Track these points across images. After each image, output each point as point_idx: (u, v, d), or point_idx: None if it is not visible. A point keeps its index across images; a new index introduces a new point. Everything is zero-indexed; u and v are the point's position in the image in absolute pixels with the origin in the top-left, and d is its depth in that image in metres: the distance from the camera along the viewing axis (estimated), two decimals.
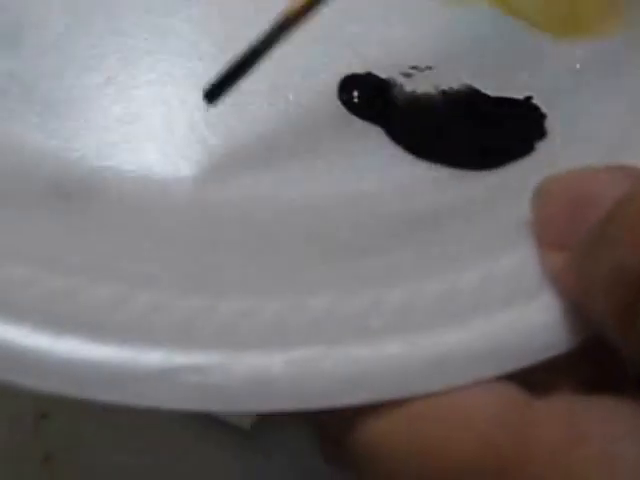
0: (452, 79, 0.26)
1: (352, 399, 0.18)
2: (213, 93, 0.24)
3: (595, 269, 0.17)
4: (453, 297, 0.19)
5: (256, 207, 0.24)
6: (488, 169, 0.25)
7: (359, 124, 0.26)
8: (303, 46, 0.25)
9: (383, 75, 0.26)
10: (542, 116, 0.26)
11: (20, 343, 0.18)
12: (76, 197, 0.23)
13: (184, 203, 0.24)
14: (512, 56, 0.27)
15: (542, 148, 0.25)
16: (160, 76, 0.26)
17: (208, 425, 0.31)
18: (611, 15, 0.27)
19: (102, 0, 0.27)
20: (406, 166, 0.25)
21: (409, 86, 0.26)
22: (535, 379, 0.18)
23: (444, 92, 0.26)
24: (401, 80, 0.26)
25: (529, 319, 0.19)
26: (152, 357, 0.18)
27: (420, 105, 0.26)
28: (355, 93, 0.26)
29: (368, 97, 0.26)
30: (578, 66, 0.27)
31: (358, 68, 0.26)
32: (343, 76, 0.26)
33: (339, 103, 0.26)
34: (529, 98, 0.26)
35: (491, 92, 0.26)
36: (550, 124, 0.26)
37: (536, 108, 0.26)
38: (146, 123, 0.25)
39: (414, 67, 0.27)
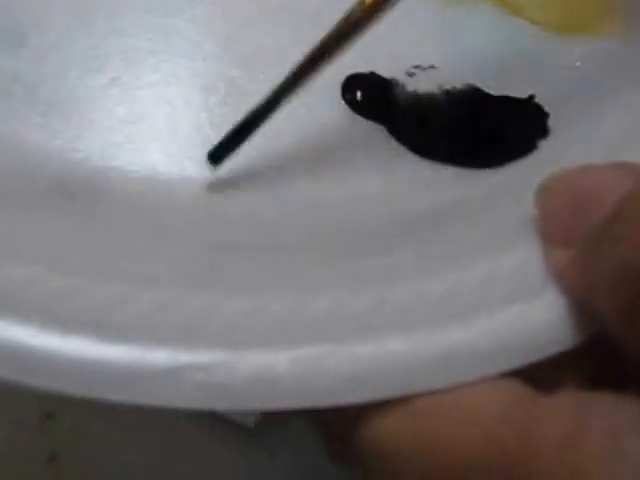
0: (455, 78, 0.27)
1: (357, 397, 0.18)
2: (218, 155, 0.24)
3: (599, 267, 0.17)
4: (456, 295, 0.19)
5: (259, 207, 0.24)
6: (491, 168, 0.25)
7: (362, 123, 0.26)
8: (307, 44, 0.26)
9: (386, 75, 0.26)
10: (544, 115, 0.26)
11: (27, 343, 0.18)
12: (80, 197, 0.23)
13: (188, 203, 0.24)
14: (513, 55, 0.27)
15: (544, 147, 0.25)
16: (164, 76, 0.26)
17: (213, 424, 0.32)
18: (611, 14, 0.28)
19: (105, 1, 0.27)
20: (409, 165, 0.25)
21: (412, 86, 0.26)
22: (540, 376, 0.18)
23: (447, 91, 0.26)
24: (404, 80, 0.27)
25: (533, 316, 0.19)
26: (158, 356, 0.18)
27: (423, 104, 0.26)
28: (358, 93, 0.26)
29: (371, 97, 0.26)
30: (579, 64, 0.27)
31: (361, 68, 0.26)
32: (346, 76, 0.26)
33: (343, 102, 0.26)
34: (531, 97, 0.26)
35: (493, 91, 0.26)
36: (552, 123, 0.26)
37: (538, 107, 0.26)
38: (150, 123, 0.25)
39: (417, 67, 0.27)
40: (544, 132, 0.26)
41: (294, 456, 0.32)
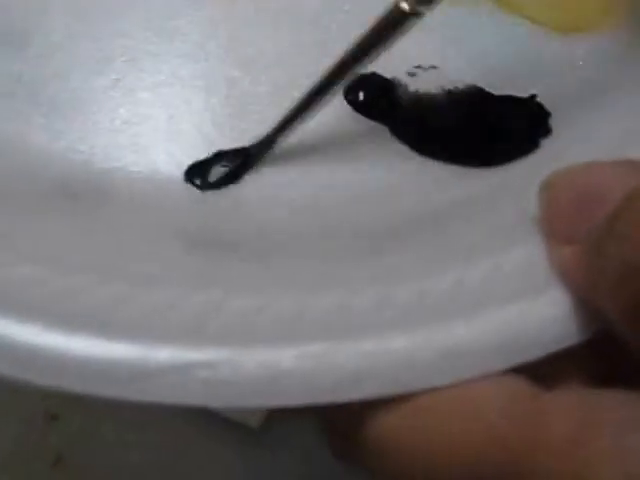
0: (456, 78, 0.27)
1: (360, 394, 0.18)
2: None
3: (602, 265, 0.17)
4: (458, 293, 0.19)
5: (261, 207, 0.24)
6: (492, 167, 0.25)
7: (365, 124, 0.26)
8: (307, 46, 0.26)
9: (388, 75, 0.27)
10: (546, 114, 0.26)
11: (32, 342, 0.18)
12: (83, 198, 0.24)
13: (191, 203, 0.24)
14: (515, 55, 0.27)
15: (545, 146, 0.25)
16: (166, 78, 0.26)
17: (216, 424, 0.32)
18: (613, 12, 0.28)
19: (108, 3, 0.27)
20: (411, 165, 0.25)
21: (413, 86, 0.27)
22: (544, 372, 0.18)
23: (448, 91, 0.26)
24: (406, 80, 0.27)
25: (537, 313, 0.19)
26: (162, 353, 0.18)
27: (424, 104, 0.26)
28: (361, 93, 0.26)
29: (373, 97, 0.26)
30: (580, 63, 0.27)
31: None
32: None
33: (345, 103, 0.26)
34: (533, 96, 0.26)
35: (495, 91, 0.27)
36: (554, 122, 0.26)
37: (540, 106, 0.26)
38: (153, 124, 0.25)
39: (418, 67, 0.27)
40: (546, 131, 0.26)
41: (297, 457, 0.32)
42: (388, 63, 0.25)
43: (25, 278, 0.19)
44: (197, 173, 0.24)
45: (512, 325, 0.18)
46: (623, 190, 0.17)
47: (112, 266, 0.20)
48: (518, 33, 0.27)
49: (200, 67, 0.26)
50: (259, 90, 0.26)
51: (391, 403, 0.18)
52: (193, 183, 0.24)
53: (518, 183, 0.24)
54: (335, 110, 0.26)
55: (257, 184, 0.25)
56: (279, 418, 0.31)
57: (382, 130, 0.26)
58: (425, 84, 0.26)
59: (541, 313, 0.19)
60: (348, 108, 0.26)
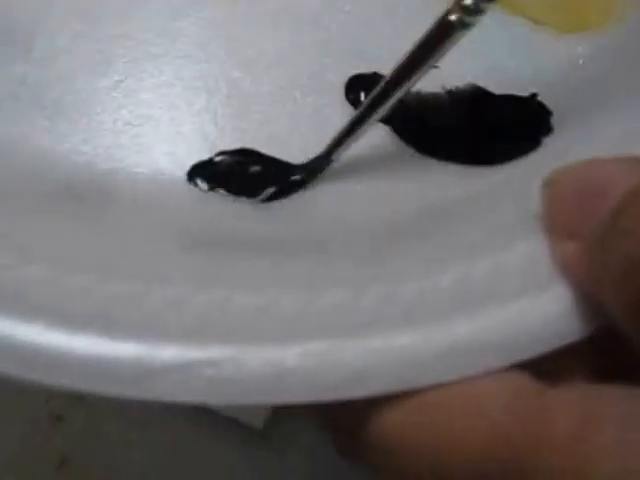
0: (457, 78, 0.27)
1: (365, 391, 0.18)
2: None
3: (605, 260, 0.17)
4: (463, 290, 0.19)
5: (263, 207, 0.24)
6: (493, 166, 0.25)
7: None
8: (307, 46, 0.26)
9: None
10: (548, 113, 0.26)
11: (36, 342, 0.18)
12: (87, 199, 0.24)
13: (194, 203, 0.24)
14: (516, 54, 0.27)
15: (547, 145, 0.25)
16: (168, 79, 0.26)
17: (220, 424, 0.32)
18: (613, 11, 0.28)
19: (110, 5, 0.27)
20: (412, 164, 0.25)
21: (415, 85, 0.27)
22: (547, 368, 0.18)
23: (450, 91, 0.27)
24: None
25: (540, 309, 0.19)
26: (167, 352, 0.18)
27: (426, 104, 0.26)
28: (362, 93, 0.26)
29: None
30: (582, 63, 0.27)
31: (364, 68, 0.27)
32: (350, 76, 0.26)
33: (347, 103, 0.26)
34: (534, 95, 0.26)
35: (496, 90, 0.27)
36: (555, 121, 0.26)
37: (541, 105, 0.26)
38: (155, 125, 0.25)
39: None
40: (547, 130, 0.26)
41: (302, 457, 0.32)
42: (389, 63, 0.25)
43: (30, 278, 0.19)
44: (199, 173, 0.24)
45: (515, 322, 0.18)
46: (626, 185, 0.18)
47: (115, 266, 0.20)
48: (520, 33, 0.27)
49: (201, 68, 0.27)
50: (260, 90, 0.26)
51: (395, 400, 0.18)
52: (196, 184, 0.24)
53: (519, 182, 0.24)
54: (337, 111, 0.26)
55: None
56: (283, 418, 0.31)
57: (384, 129, 0.26)
58: (427, 84, 0.26)
59: (543, 310, 0.19)
60: (350, 108, 0.26)
